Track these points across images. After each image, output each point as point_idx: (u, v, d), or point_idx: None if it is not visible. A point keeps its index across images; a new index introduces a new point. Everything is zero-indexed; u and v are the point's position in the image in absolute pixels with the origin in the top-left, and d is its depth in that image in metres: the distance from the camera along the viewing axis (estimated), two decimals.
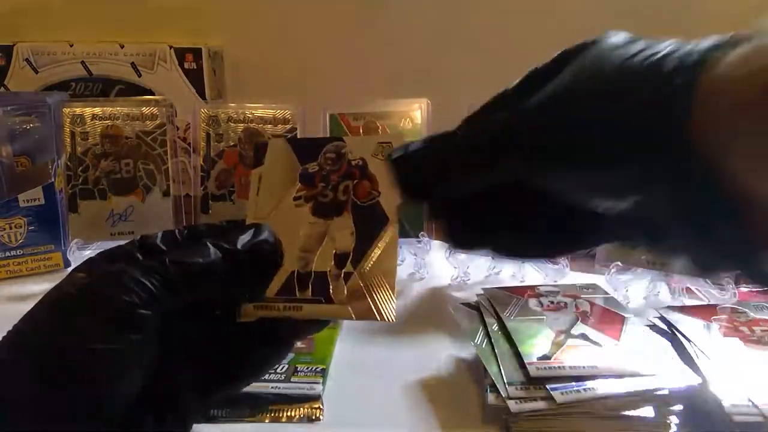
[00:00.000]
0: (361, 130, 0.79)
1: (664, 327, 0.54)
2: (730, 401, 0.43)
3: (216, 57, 1.03)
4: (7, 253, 0.74)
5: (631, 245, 0.29)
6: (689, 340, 0.50)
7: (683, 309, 0.57)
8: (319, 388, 0.48)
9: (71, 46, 0.98)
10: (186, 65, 0.98)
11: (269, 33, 1.06)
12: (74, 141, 0.80)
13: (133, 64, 0.99)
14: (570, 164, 0.25)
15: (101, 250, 0.29)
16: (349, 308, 0.30)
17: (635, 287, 0.67)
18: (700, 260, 0.24)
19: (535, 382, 0.45)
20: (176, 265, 0.26)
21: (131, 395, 0.26)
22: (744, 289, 0.62)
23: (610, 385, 0.45)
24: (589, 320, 0.54)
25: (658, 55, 0.23)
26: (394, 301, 0.29)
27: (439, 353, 0.56)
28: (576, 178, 0.25)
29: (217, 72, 1.03)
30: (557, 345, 0.50)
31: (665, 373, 0.46)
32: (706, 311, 0.56)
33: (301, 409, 0.47)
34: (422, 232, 0.73)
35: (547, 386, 0.45)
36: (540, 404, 0.44)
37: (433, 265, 0.74)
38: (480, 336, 0.53)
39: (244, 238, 0.29)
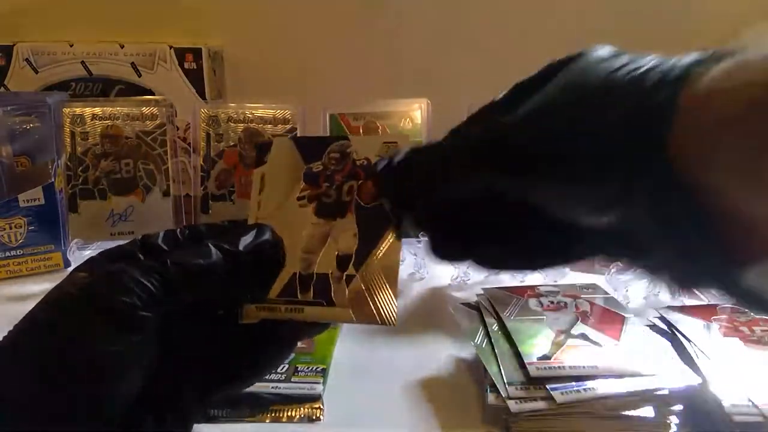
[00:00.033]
0: (361, 130, 0.80)
1: (664, 327, 0.54)
2: (730, 401, 0.43)
3: (216, 57, 1.03)
4: (7, 253, 0.74)
5: (614, 260, 0.29)
6: (689, 340, 0.50)
7: (683, 309, 0.57)
8: (319, 388, 0.48)
9: (71, 46, 0.98)
10: (186, 65, 0.98)
11: (269, 33, 1.06)
12: (74, 141, 0.80)
13: (133, 64, 0.99)
14: (553, 177, 0.25)
15: (101, 250, 0.29)
16: (351, 311, 0.29)
17: (635, 287, 0.67)
18: (679, 277, 0.24)
19: (535, 382, 0.45)
20: (177, 266, 0.26)
21: (131, 395, 0.26)
22: None
23: (610, 385, 0.45)
24: (589, 320, 0.54)
25: (641, 70, 0.23)
26: (396, 304, 0.29)
27: (439, 353, 0.56)
28: (559, 191, 0.25)
29: (217, 72, 1.03)
30: (557, 345, 0.50)
31: (665, 373, 0.46)
32: (706, 311, 0.56)
33: (302, 409, 0.47)
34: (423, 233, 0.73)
35: (547, 386, 0.45)
36: (540, 404, 0.44)
37: (433, 265, 0.74)
38: (480, 336, 0.53)
39: (245, 239, 0.29)
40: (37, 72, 0.98)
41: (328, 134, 0.78)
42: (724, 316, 0.55)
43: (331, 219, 0.31)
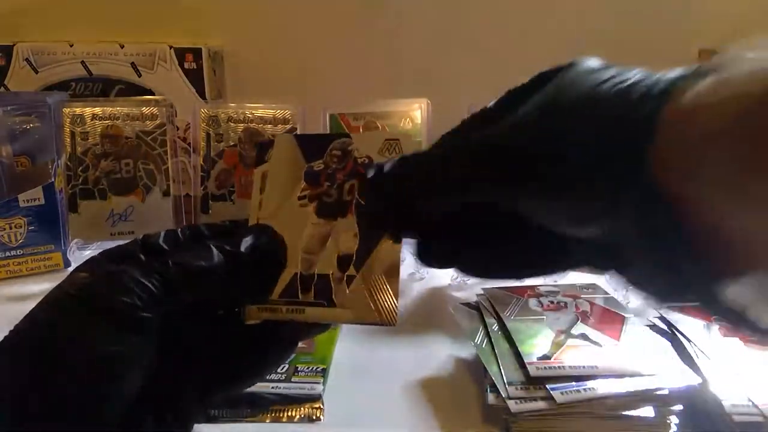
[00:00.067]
0: (361, 130, 0.80)
1: (664, 327, 0.54)
2: (730, 401, 0.43)
3: (216, 57, 1.03)
4: (7, 253, 0.74)
5: (601, 272, 0.29)
6: (689, 340, 0.50)
7: (683, 309, 0.57)
8: (319, 388, 0.48)
9: (71, 46, 0.98)
10: (186, 65, 0.98)
11: (269, 33, 1.06)
12: (74, 141, 0.80)
13: (133, 64, 0.99)
14: (539, 189, 0.25)
15: (101, 250, 0.29)
16: (352, 312, 0.29)
17: None
18: (662, 290, 0.24)
19: (535, 382, 0.45)
20: (178, 266, 0.26)
21: (131, 395, 0.26)
22: None
23: (610, 385, 0.45)
24: (589, 320, 0.54)
25: (627, 83, 0.23)
26: (397, 304, 0.29)
27: (439, 353, 0.56)
28: (547, 200, 0.25)
29: (217, 72, 1.03)
30: (557, 345, 0.50)
31: (665, 373, 0.46)
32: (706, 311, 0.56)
33: (302, 409, 0.47)
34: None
35: (547, 386, 0.45)
36: (540, 404, 0.44)
37: None
38: (480, 336, 0.53)
39: (246, 240, 0.29)
40: (37, 72, 0.98)
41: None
42: None
43: (332, 219, 0.31)
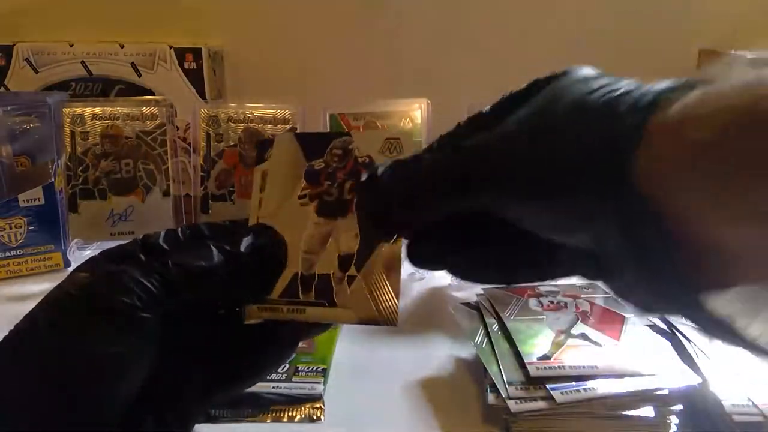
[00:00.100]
0: (361, 130, 0.80)
1: (664, 327, 0.54)
2: (730, 401, 0.43)
3: (216, 57, 1.03)
4: (7, 253, 0.74)
5: (589, 280, 0.29)
6: (689, 340, 0.50)
7: None
8: (320, 388, 0.48)
9: (71, 46, 0.98)
10: (186, 65, 0.98)
11: (269, 33, 1.06)
12: (74, 141, 0.80)
13: (133, 64, 0.99)
14: (526, 197, 0.25)
15: (101, 250, 0.29)
16: (353, 312, 0.29)
17: None
18: (645, 301, 0.24)
19: (535, 382, 0.45)
20: (178, 266, 0.26)
21: (131, 395, 0.26)
22: None
23: (610, 385, 0.45)
24: (589, 320, 0.54)
25: (616, 93, 0.23)
26: (398, 304, 0.29)
27: (439, 353, 0.56)
28: (532, 210, 0.25)
29: (217, 72, 1.03)
30: (557, 345, 0.50)
31: (665, 373, 0.46)
32: None
33: (303, 409, 0.47)
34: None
35: (547, 386, 0.45)
36: (540, 404, 0.44)
37: None
38: (480, 336, 0.53)
39: (247, 240, 0.29)
40: (37, 72, 0.98)
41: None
42: None
43: (333, 219, 0.31)
